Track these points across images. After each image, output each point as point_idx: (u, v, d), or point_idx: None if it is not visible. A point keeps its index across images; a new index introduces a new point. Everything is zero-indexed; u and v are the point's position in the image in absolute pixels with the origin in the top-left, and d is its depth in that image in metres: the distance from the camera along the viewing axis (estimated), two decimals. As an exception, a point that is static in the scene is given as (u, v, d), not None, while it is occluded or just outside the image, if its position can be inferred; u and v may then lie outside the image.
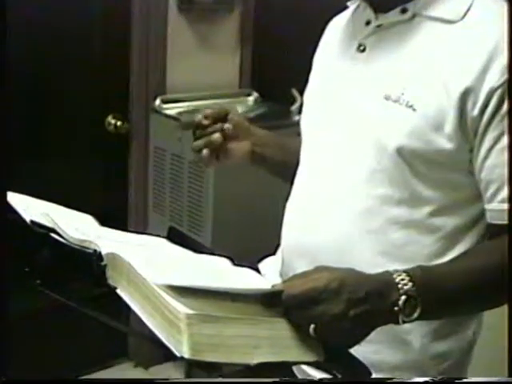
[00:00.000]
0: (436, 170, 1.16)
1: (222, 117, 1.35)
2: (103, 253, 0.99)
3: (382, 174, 1.18)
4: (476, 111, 1.11)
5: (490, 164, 1.13)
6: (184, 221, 2.61)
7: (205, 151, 1.33)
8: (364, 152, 1.20)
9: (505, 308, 1.11)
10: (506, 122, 1.11)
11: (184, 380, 0.87)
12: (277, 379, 0.98)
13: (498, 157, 1.12)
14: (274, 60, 2.90)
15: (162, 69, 2.75)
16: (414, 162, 1.16)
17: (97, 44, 2.66)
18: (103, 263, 0.98)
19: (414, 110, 1.14)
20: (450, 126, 1.13)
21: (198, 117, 1.33)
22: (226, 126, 1.33)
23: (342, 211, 1.22)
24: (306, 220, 1.27)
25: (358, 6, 1.31)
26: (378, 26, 1.22)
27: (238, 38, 2.92)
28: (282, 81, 2.71)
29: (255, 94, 2.92)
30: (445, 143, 1.13)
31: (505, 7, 1.18)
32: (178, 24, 2.76)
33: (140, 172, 2.80)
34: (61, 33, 2.54)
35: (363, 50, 1.24)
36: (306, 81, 1.41)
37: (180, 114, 2.67)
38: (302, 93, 1.43)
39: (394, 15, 1.20)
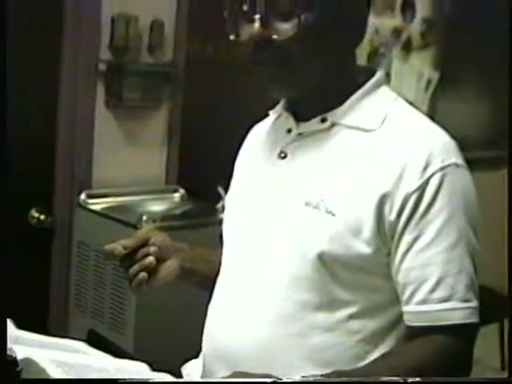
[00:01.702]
0: (355, 274, 1.18)
1: (144, 243, 1.33)
2: (18, 358, 0.97)
3: (302, 280, 1.19)
4: (393, 216, 1.15)
5: (406, 267, 1.16)
6: (106, 320, 2.55)
7: (142, 274, 1.30)
8: (286, 258, 1.21)
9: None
10: (420, 226, 1.15)
11: (183, 380, 0.86)
12: (276, 379, 0.98)
13: (414, 260, 1.15)
14: (200, 157, 2.93)
15: (88, 163, 2.73)
16: (334, 266, 1.17)
17: (21, 135, 2.62)
18: (18, 369, 0.96)
19: (334, 215, 1.17)
20: (368, 230, 1.15)
21: (119, 248, 1.30)
22: (153, 249, 1.32)
23: (263, 316, 1.22)
24: (227, 324, 1.27)
25: (280, 115, 1.34)
26: (299, 134, 1.26)
27: (165, 135, 2.93)
28: (208, 178, 2.72)
29: (181, 191, 2.93)
30: (363, 247, 1.16)
31: (420, 116, 1.24)
32: (105, 119, 2.76)
33: (62, 268, 2.73)
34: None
35: (284, 157, 1.26)
36: (231, 180, 1.43)
37: (105, 209, 2.65)
38: (227, 191, 1.43)
39: (314, 124, 1.24)
